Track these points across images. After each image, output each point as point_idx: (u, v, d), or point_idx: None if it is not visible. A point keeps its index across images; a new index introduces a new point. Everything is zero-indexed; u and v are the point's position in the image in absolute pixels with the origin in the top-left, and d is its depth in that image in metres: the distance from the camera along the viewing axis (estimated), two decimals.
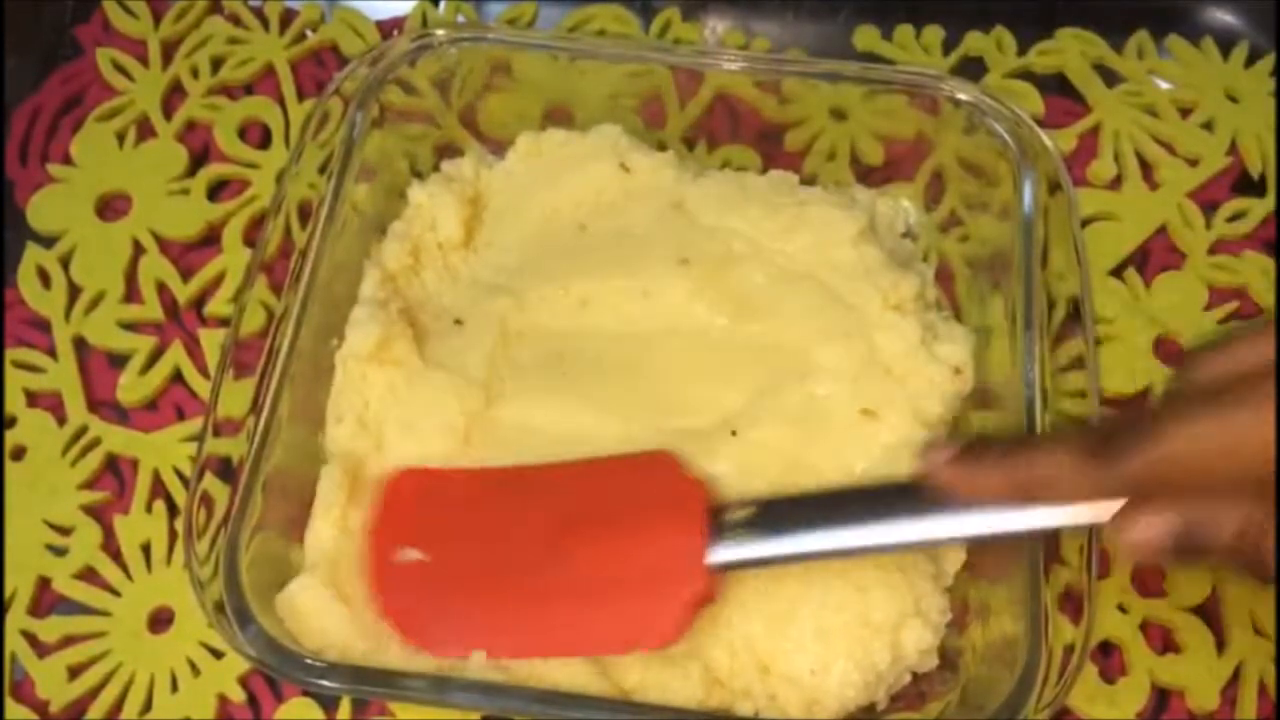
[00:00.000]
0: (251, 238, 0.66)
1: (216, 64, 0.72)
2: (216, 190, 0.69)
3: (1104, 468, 0.41)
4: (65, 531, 0.58)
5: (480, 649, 0.51)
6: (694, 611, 0.51)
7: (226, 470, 0.52)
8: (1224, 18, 0.75)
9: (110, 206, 0.68)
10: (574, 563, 0.52)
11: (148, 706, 0.55)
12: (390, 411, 0.58)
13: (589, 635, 0.52)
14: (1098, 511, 0.43)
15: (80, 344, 0.63)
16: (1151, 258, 0.67)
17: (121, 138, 0.69)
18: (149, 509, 0.59)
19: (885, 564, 0.53)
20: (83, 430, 0.61)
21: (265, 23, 0.74)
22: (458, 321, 0.61)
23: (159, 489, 0.60)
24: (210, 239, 0.67)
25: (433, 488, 0.55)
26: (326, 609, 0.52)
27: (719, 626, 0.53)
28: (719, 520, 0.51)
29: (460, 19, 0.74)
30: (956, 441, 0.47)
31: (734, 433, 0.56)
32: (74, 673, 0.55)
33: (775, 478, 0.56)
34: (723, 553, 0.50)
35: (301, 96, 0.71)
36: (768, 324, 0.59)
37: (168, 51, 0.73)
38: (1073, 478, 0.42)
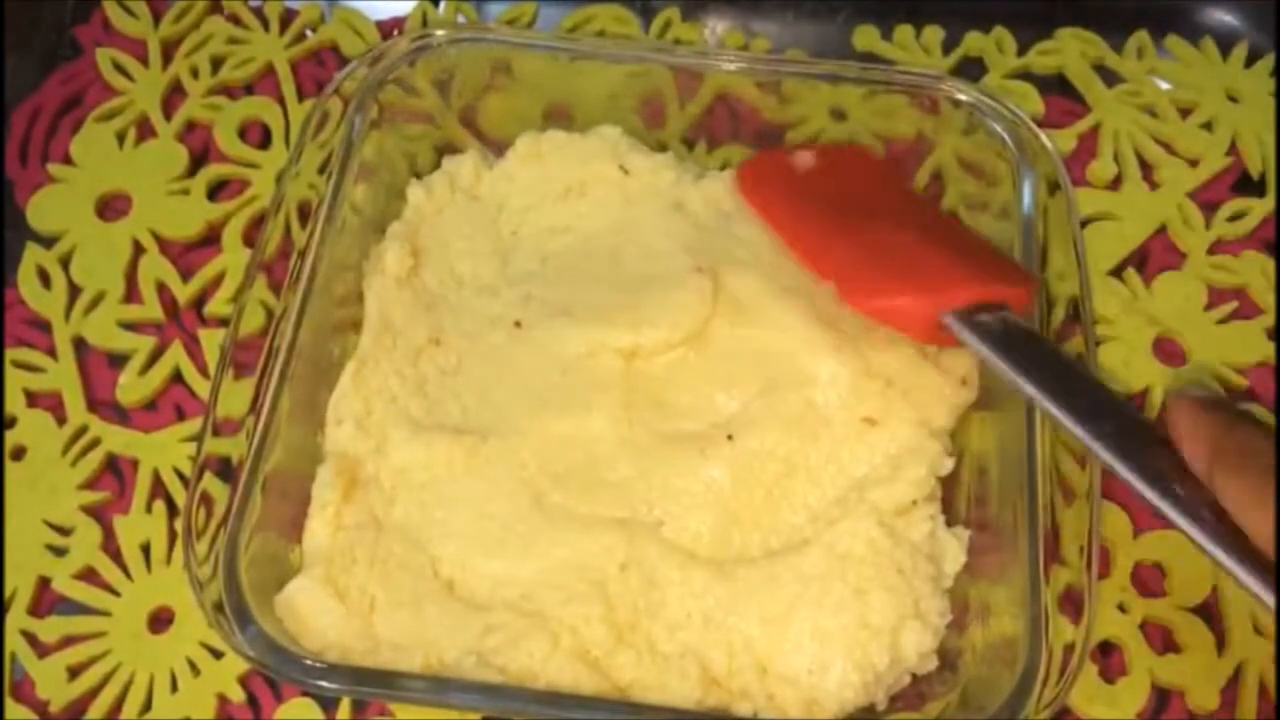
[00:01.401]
0: (251, 238, 0.66)
1: (216, 64, 0.72)
2: (216, 190, 0.69)
3: None
4: (65, 531, 0.58)
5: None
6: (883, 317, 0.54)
7: (226, 470, 0.52)
8: (1224, 18, 0.75)
9: (110, 206, 0.68)
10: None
11: (147, 706, 0.55)
12: (392, 414, 0.58)
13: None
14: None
15: (80, 344, 0.64)
16: (1151, 258, 0.67)
17: (121, 138, 0.69)
18: (149, 509, 0.59)
19: (884, 566, 0.53)
20: (83, 430, 0.61)
21: (265, 23, 0.74)
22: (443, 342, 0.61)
23: (159, 489, 0.60)
24: (210, 239, 0.67)
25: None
26: (324, 609, 0.52)
27: (715, 627, 0.53)
28: (988, 307, 0.51)
29: (460, 19, 0.75)
30: (1203, 391, 0.45)
31: (730, 437, 0.56)
32: (74, 673, 0.55)
33: (771, 483, 0.56)
34: (954, 323, 0.51)
35: (301, 96, 0.71)
36: (766, 331, 0.59)
37: (168, 51, 0.73)
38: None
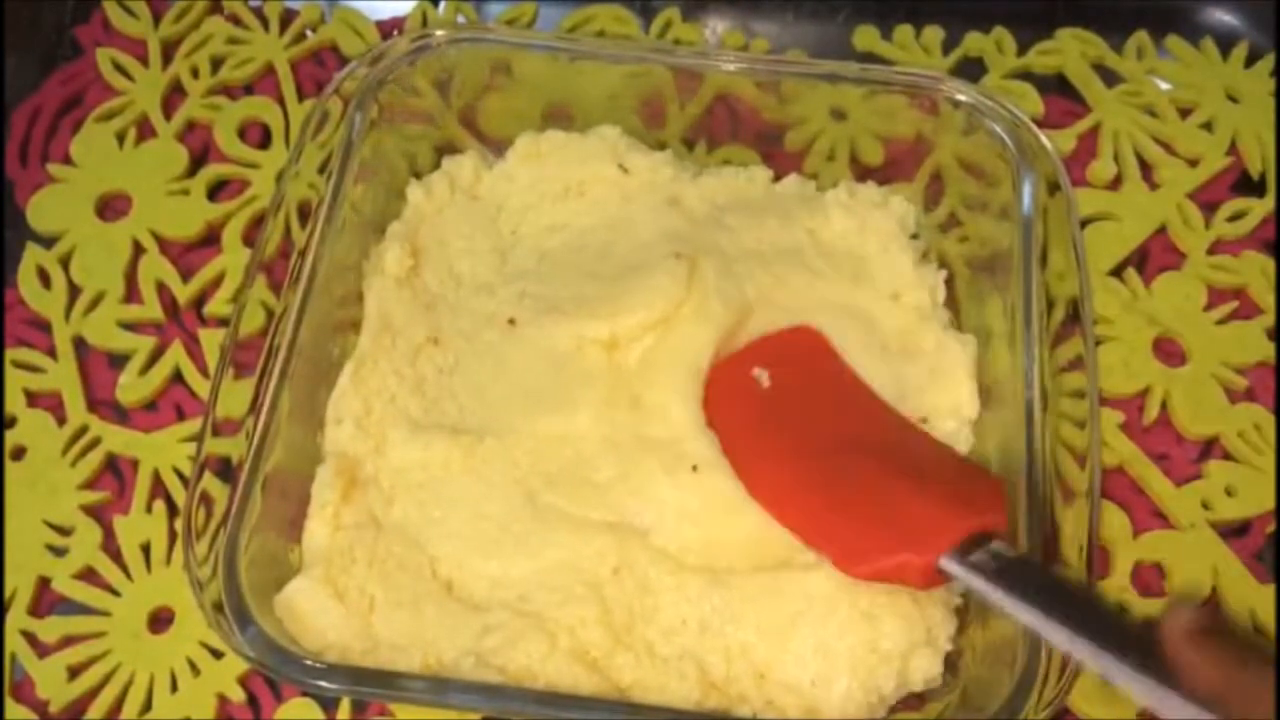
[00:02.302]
0: (251, 238, 0.66)
1: (216, 64, 0.72)
2: (216, 190, 0.69)
3: None
4: (65, 531, 0.58)
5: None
6: (894, 577, 0.51)
7: (226, 470, 0.52)
8: (1224, 18, 0.75)
9: (110, 206, 0.68)
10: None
11: (148, 706, 0.55)
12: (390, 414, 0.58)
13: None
14: None
15: (80, 344, 0.63)
16: (1151, 258, 0.67)
17: (121, 138, 0.69)
18: (149, 509, 0.59)
19: (900, 593, 0.52)
20: (83, 430, 0.61)
21: (265, 23, 0.74)
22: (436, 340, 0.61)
23: (159, 489, 0.60)
24: (210, 239, 0.67)
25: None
26: (324, 609, 0.52)
27: (713, 634, 0.53)
28: (976, 539, 0.49)
29: (460, 19, 0.74)
30: (1203, 611, 0.42)
31: (695, 468, 0.55)
32: (74, 673, 0.55)
33: (752, 522, 0.54)
34: (953, 567, 0.49)
35: (301, 96, 0.71)
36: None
37: (168, 51, 0.73)
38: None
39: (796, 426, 0.57)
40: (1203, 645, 0.40)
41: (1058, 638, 0.45)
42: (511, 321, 0.60)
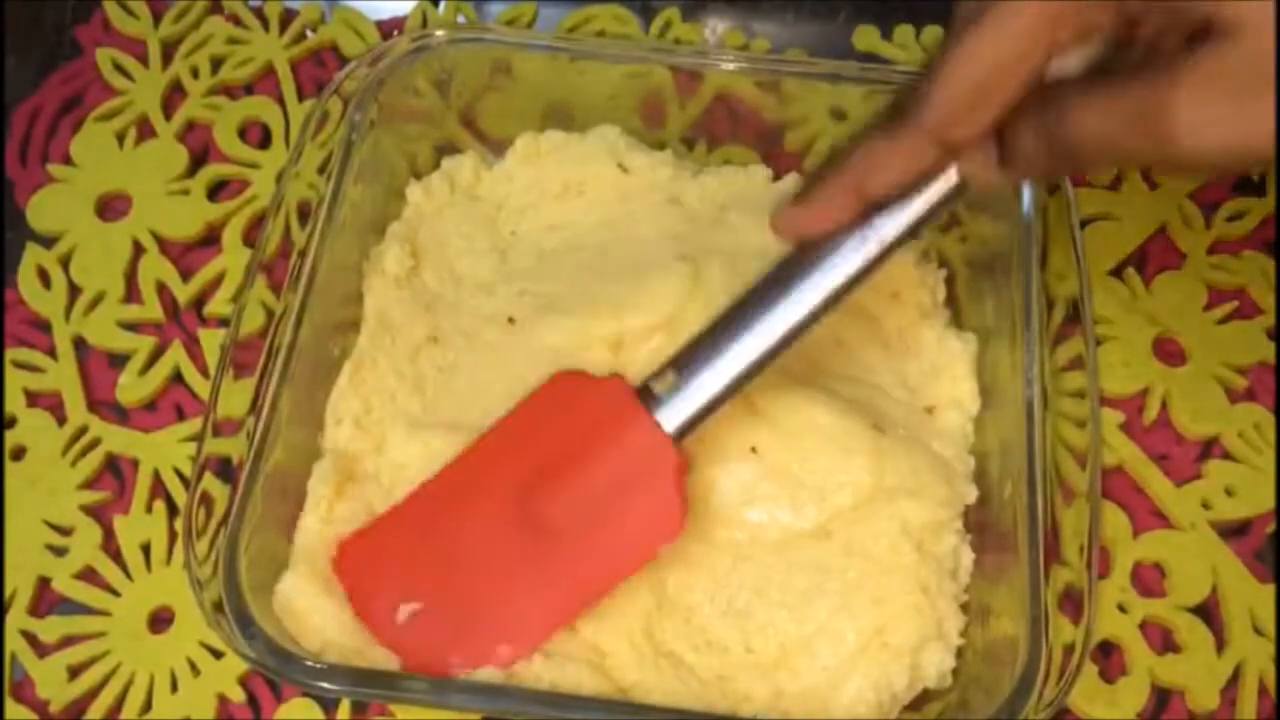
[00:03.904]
0: (251, 238, 0.66)
1: (216, 64, 0.72)
2: (216, 190, 0.69)
3: (909, 125, 0.42)
4: (65, 531, 0.58)
5: (513, 649, 0.51)
6: (683, 487, 0.51)
7: (226, 470, 0.52)
8: None
9: (110, 206, 0.68)
10: (554, 519, 0.52)
11: (148, 706, 0.55)
12: (389, 412, 0.58)
13: (607, 569, 0.51)
14: (938, 184, 0.45)
15: (80, 344, 0.63)
16: (1151, 258, 0.67)
17: (121, 138, 0.69)
18: (149, 509, 0.59)
19: (910, 587, 0.52)
20: (83, 430, 0.61)
21: (265, 23, 0.74)
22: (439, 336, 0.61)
23: (159, 489, 0.60)
24: (210, 239, 0.67)
25: (380, 541, 0.54)
26: (315, 605, 0.52)
27: (718, 630, 0.52)
28: (649, 394, 0.51)
29: (460, 19, 0.75)
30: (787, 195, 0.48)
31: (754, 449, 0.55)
32: (74, 673, 0.55)
33: (763, 498, 0.55)
34: (673, 415, 0.50)
35: (301, 96, 0.71)
36: None
37: (168, 51, 0.73)
38: (890, 151, 0.44)
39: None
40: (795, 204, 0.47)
41: (757, 348, 0.49)
42: (511, 320, 0.60)
